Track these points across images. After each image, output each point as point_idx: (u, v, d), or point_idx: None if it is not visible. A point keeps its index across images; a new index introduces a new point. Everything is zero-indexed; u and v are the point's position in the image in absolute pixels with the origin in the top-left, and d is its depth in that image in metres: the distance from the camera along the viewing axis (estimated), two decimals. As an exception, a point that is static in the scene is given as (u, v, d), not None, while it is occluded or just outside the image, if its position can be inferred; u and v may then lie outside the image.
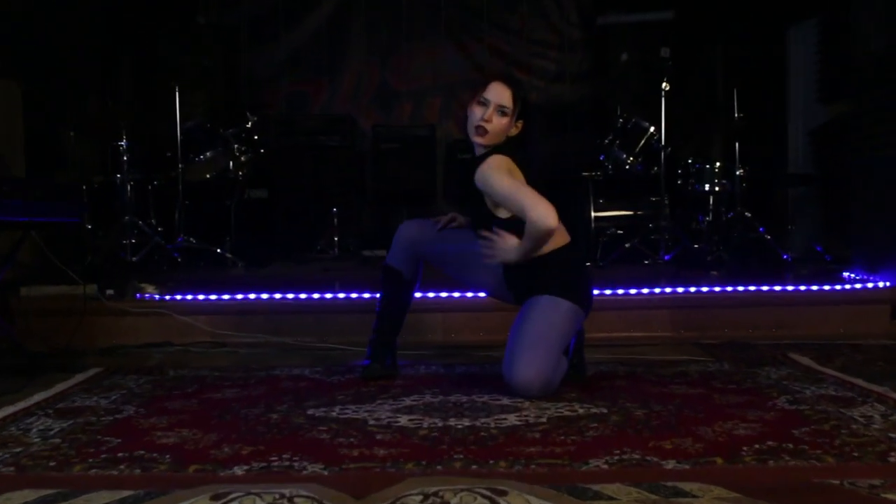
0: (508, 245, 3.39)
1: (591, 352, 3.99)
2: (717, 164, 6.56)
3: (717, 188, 6.56)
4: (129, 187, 6.64)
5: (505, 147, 3.47)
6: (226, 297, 4.99)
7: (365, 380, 3.80)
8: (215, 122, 7.08)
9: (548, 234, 3.28)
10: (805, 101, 7.79)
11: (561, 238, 3.56)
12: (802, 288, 5.10)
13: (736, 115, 6.56)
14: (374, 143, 8.59)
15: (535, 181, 3.42)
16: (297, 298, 4.97)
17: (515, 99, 3.45)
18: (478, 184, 3.41)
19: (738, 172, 6.51)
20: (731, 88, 6.93)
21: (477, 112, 3.43)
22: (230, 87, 8.92)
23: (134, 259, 6.47)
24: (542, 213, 3.22)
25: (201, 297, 5.01)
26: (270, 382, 3.79)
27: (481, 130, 3.43)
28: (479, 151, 3.55)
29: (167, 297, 5.01)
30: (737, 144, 6.53)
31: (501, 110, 3.42)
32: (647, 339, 4.86)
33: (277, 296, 4.98)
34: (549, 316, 3.43)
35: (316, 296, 4.99)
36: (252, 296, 4.99)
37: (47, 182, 4.29)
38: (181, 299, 5.00)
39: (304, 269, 6.81)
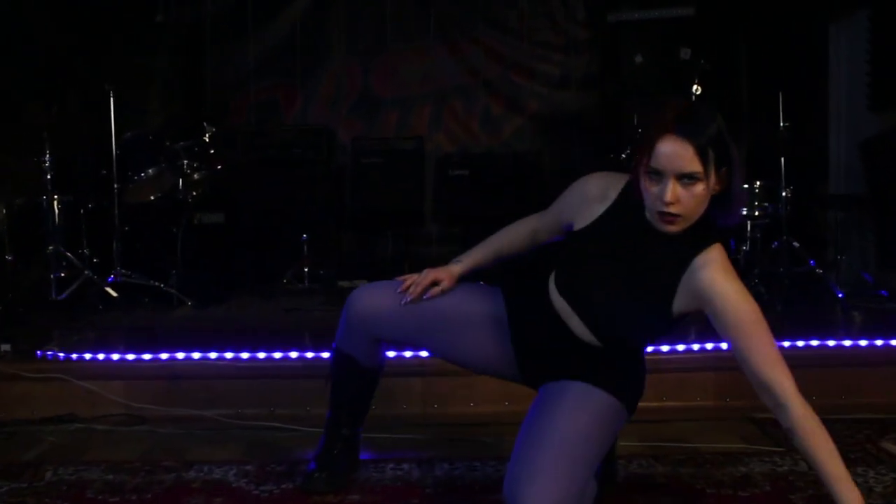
0: None
1: (618, 444, 2.92)
2: (758, 183, 5.50)
3: (756, 213, 5.49)
4: (56, 211, 5.60)
5: (715, 215, 2.35)
6: (146, 356, 3.92)
7: (306, 493, 2.74)
8: (164, 133, 6.03)
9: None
10: (850, 109, 6.73)
11: None
12: (879, 343, 4.03)
13: (781, 124, 5.48)
14: (355, 158, 7.53)
15: None
16: (237, 359, 3.90)
17: (704, 154, 2.19)
18: (706, 286, 2.30)
19: (783, 194, 5.43)
20: (764, 94, 5.89)
21: (653, 190, 2.24)
22: (190, 94, 7.84)
23: (60, 297, 5.42)
24: (802, 406, 2.29)
25: (116, 356, 3.94)
26: (174, 498, 2.73)
27: (669, 218, 2.25)
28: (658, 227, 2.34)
29: (74, 357, 3.95)
30: (782, 160, 5.45)
31: (688, 178, 2.21)
32: (685, 412, 3.79)
33: (213, 355, 3.92)
34: (582, 417, 2.35)
35: (262, 355, 3.91)
36: (181, 355, 3.92)
37: None
38: (91, 359, 3.94)
39: (265, 308, 5.76)
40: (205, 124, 6.20)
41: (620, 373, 2.48)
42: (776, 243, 5.54)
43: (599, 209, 2.44)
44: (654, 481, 2.85)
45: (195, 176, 5.98)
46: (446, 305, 2.64)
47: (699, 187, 2.21)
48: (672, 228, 2.27)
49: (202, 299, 5.68)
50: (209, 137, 6.14)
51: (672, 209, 2.22)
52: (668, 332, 2.48)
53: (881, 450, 3.14)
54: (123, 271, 5.57)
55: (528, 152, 7.87)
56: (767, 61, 7.42)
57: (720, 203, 2.30)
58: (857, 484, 2.73)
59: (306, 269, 6.55)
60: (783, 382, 2.27)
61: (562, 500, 2.18)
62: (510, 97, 8.16)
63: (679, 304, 2.34)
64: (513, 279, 2.65)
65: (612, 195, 2.43)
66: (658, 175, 2.21)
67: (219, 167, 6.16)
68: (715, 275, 2.28)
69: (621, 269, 2.37)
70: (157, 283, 5.66)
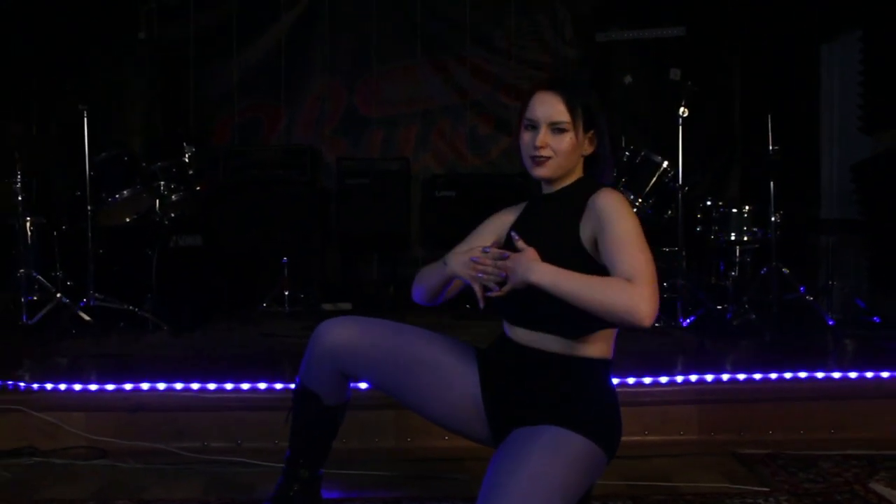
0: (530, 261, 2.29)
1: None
2: (747, 207, 5.36)
3: (745, 238, 5.35)
4: (28, 233, 5.47)
5: (593, 176, 2.58)
6: (109, 387, 3.77)
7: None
8: (140, 153, 5.90)
9: (625, 316, 2.16)
10: (842, 131, 6.61)
11: (604, 348, 2.47)
12: (870, 375, 3.89)
13: (770, 147, 5.35)
14: (339, 178, 7.39)
15: None
16: (203, 389, 3.75)
17: (572, 107, 2.48)
18: (598, 207, 2.39)
19: (773, 219, 5.30)
20: (756, 116, 5.77)
21: (527, 139, 2.52)
22: (171, 114, 7.69)
23: (31, 322, 5.28)
24: (646, 295, 2.17)
25: (77, 387, 3.78)
26: (122, 543, 2.59)
27: (540, 160, 2.51)
28: (547, 189, 2.61)
29: (34, 387, 3.80)
30: (771, 185, 5.31)
31: (556, 127, 2.48)
32: (667, 447, 3.64)
33: (179, 386, 3.76)
34: (554, 461, 2.22)
35: (229, 386, 3.76)
36: (145, 386, 3.77)
37: None
38: (52, 389, 3.78)
39: (242, 333, 5.61)
40: (184, 144, 6.07)
41: (593, 408, 2.37)
42: (765, 269, 5.41)
43: (512, 219, 2.69)
44: (631, 525, 2.70)
45: (173, 197, 5.86)
46: (425, 352, 2.54)
47: (567, 138, 2.48)
48: (541, 171, 2.51)
49: (178, 324, 5.53)
50: (189, 158, 6.02)
51: (542, 152, 2.48)
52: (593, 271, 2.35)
53: (869, 491, 2.99)
54: (97, 295, 5.42)
55: (516, 173, 7.73)
56: (759, 82, 7.33)
57: (593, 164, 2.57)
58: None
59: (287, 293, 6.40)
60: (640, 260, 2.25)
61: None
62: (498, 117, 8.06)
63: (584, 234, 2.41)
64: None
65: (521, 206, 2.72)
66: (533, 125, 2.50)
67: (198, 189, 6.03)
68: (608, 197, 2.40)
69: (542, 243, 2.39)
70: (131, 308, 5.51)
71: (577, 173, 2.57)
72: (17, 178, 5.36)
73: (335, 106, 8.00)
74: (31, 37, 6.78)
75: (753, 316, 5.20)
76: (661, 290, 5.27)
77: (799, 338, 5.09)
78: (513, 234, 2.39)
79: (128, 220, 5.78)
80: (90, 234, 5.46)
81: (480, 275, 2.37)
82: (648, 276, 2.21)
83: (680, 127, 5.39)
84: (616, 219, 2.34)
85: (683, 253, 5.38)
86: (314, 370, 2.59)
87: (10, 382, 3.83)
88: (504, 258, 2.32)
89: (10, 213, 5.47)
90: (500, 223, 2.70)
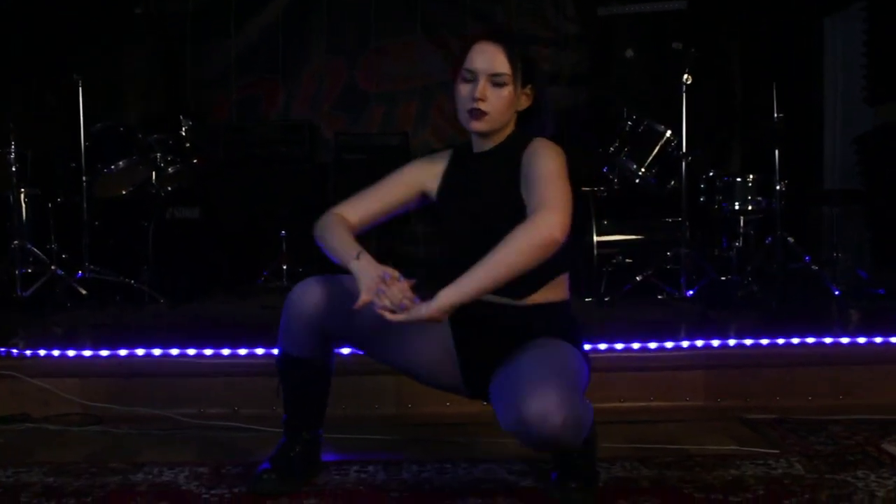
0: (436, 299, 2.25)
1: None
2: (751, 176, 5.28)
3: (749, 207, 5.27)
4: (22, 205, 5.39)
5: (527, 130, 2.55)
6: (104, 353, 3.70)
7: (256, 494, 2.53)
8: (137, 125, 5.83)
9: (541, 249, 2.21)
10: (846, 103, 6.54)
11: (560, 292, 2.49)
12: (879, 340, 3.82)
13: (775, 115, 5.26)
14: (337, 154, 7.30)
15: None
16: (199, 355, 3.68)
17: (512, 59, 2.44)
18: (527, 154, 2.43)
19: (777, 188, 5.22)
20: (758, 88, 5.68)
21: (464, 91, 2.46)
22: (170, 89, 7.61)
23: (25, 294, 5.20)
24: (557, 219, 2.23)
25: (72, 352, 3.71)
26: (116, 502, 2.51)
27: (477, 113, 2.45)
28: (480, 146, 2.58)
29: (28, 353, 3.72)
30: (776, 153, 5.22)
31: (496, 80, 2.43)
32: (674, 412, 3.57)
33: (174, 352, 3.69)
34: (554, 351, 2.37)
35: (226, 352, 3.69)
36: (140, 352, 3.69)
37: None
38: (46, 356, 3.71)
39: (240, 306, 5.55)
40: (181, 118, 6.01)
41: (563, 331, 2.48)
42: (770, 239, 5.33)
43: (442, 165, 2.64)
44: (639, 485, 2.63)
45: (169, 170, 5.80)
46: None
47: (506, 90, 2.43)
48: (479, 125, 2.46)
49: (175, 297, 5.46)
50: (186, 131, 5.95)
51: (481, 105, 2.42)
52: None
53: (883, 452, 2.92)
54: (92, 267, 5.35)
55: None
56: (761, 55, 7.25)
57: (530, 118, 2.55)
58: (858, 489, 2.55)
59: (285, 267, 6.31)
60: (553, 193, 2.30)
61: (565, 398, 2.14)
62: (498, 93, 7.96)
63: (523, 189, 2.41)
64: None
65: (447, 154, 2.68)
66: (472, 76, 2.44)
67: (195, 161, 5.96)
68: (537, 144, 2.44)
69: (482, 203, 2.49)
70: (127, 280, 5.44)
71: (511, 128, 2.54)
72: (10, 149, 5.28)
73: (334, 82, 7.91)
74: (29, 11, 6.69)
75: (756, 288, 5.13)
76: (664, 259, 5.25)
77: (805, 307, 5.02)
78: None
79: (124, 192, 5.71)
80: (85, 206, 5.39)
81: (381, 296, 2.28)
82: (554, 201, 2.26)
83: (683, 95, 5.28)
84: (537, 160, 2.38)
85: (687, 223, 5.30)
86: (293, 335, 2.55)
87: (2, 349, 3.76)
88: (412, 297, 2.27)
89: (4, 185, 5.39)
90: (420, 175, 2.65)
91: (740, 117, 7.64)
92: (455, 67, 2.50)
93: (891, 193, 5.74)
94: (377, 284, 2.28)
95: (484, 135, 2.51)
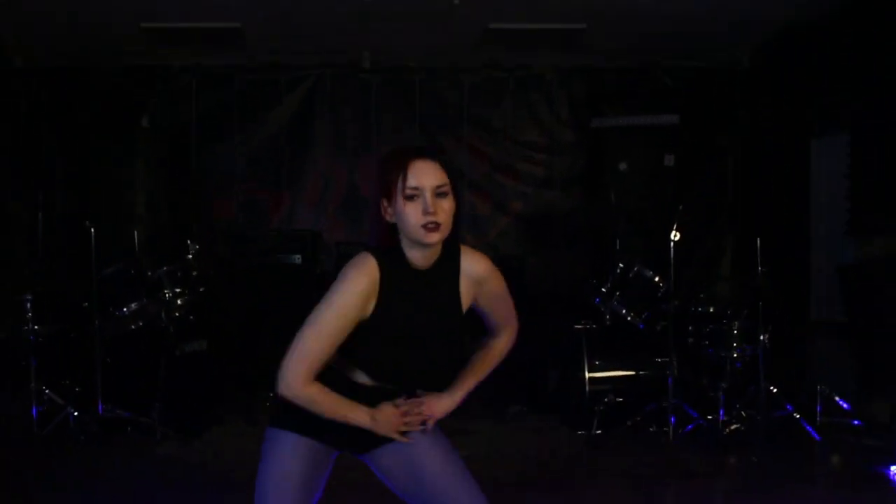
0: (441, 400, 2.69)
1: None
2: (737, 324, 5.52)
3: (735, 354, 5.51)
4: (36, 345, 5.63)
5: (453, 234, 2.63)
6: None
7: None
8: (144, 259, 6.07)
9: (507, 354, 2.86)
10: (831, 231, 6.72)
11: None
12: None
13: (759, 268, 5.52)
14: (337, 264, 7.50)
15: None
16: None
17: (447, 170, 2.55)
18: (478, 274, 2.71)
19: (761, 337, 5.46)
20: (745, 205, 5.86)
21: (411, 209, 2.50)
22: (175, 200, 7.81)
23: (42, 433, 5.46)
24: (517, 330, 2.86)
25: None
26: None
27: (433, 226, 2.50)
28: (418, 260, 2.62)
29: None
30: (760, 304, 5.47)
31: (440, 191, 2.51)
32: None
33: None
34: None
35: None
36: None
37: None
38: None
39: (248, 437, 5.70)
40: (188, 242, 6.24)
41: None
42: (753, 387, 5.58)
43: (374, 287, 2.58)
44: None
45: (179, 301, 6.01)
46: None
47: (448, 201, 2.52)
48: (435, 237, 2.51)
49: (185, 431, 5.68)
50: (192, 256, 6.18)
51: (435, 218, 2.48)
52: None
53: None
54: (106, 406, 5.59)
55: (512, 255, 7.87)
56: (751, 172, 7.51)
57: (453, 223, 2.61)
58: None
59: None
60: (512, 324, 2.83)
61: None
62: (495, 197, 8.20)
63: (465, 300, 2.68)
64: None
65: (373, 271, 2.58)
66: (416, 192, 2.49)
67: (201, 290, 6.19)
68: (484, 263, 2.71)
69: (433, 326, 2.63)
70: (139, 417, 5.67)
71: None
72: (27, 294, 5.52)
73: (337, 186, 8.11)
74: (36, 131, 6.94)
75: (740, 436, 5.39)
76: (651, 398, 5.53)
77: (786, 457, 5.23)
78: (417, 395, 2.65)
79: (133, 327, 5.92)
80: (98, 349, 5.63)
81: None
82: (513, 316, 2.81)
83: (671, 246, 5.53)
84: (494, 282, 2.74)
85: (674, 363, 5.57)
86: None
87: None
88: (420, 403, 2.63)
89: (20, 325, 5.62)
90: (358, 310, 2.60)
91: (729, 230, 7.92)
92: (386, 188, 2.54)
93: (873, 327, 5.95)
94: (400, 422, 2.61)
95: (430, 246, 2.58)
